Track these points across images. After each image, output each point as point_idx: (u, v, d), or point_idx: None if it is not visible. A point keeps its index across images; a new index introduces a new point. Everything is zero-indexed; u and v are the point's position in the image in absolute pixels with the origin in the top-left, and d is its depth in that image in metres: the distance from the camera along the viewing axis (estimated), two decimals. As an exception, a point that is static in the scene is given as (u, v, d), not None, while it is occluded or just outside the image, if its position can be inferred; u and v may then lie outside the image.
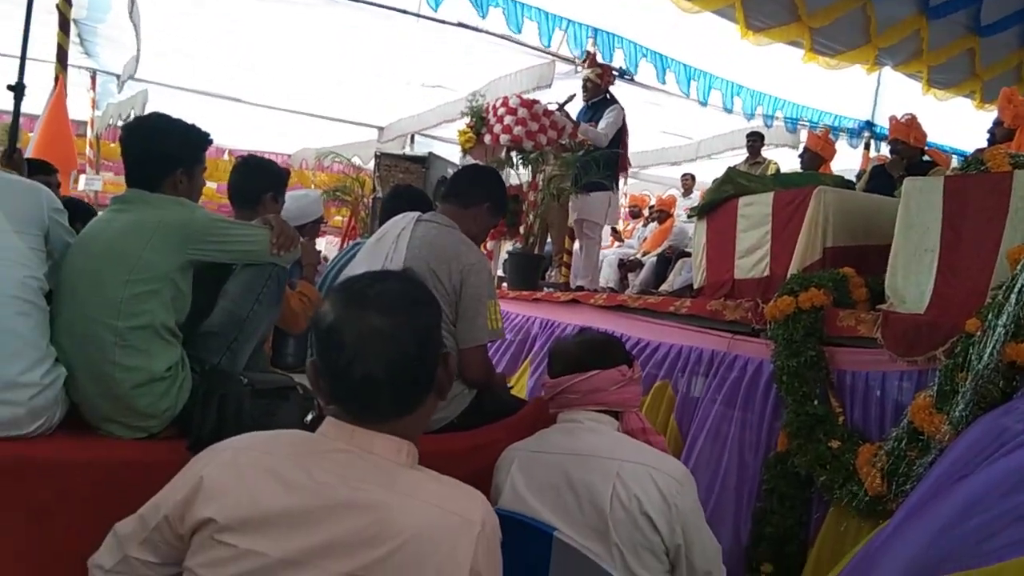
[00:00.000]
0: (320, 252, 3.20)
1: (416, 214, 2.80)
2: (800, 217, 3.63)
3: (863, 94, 9.11)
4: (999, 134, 4.58)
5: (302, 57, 7.89)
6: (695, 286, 4.39)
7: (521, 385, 4.69)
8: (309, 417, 2.24)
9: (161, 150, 2.20)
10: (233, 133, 11.73)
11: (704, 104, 8.21)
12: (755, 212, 3.94)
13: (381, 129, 10.59)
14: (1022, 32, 8.32)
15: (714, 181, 4.22)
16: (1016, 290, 2.33)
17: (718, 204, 4.16)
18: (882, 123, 9.08)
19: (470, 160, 7.18)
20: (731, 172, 4.21)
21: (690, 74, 7.95)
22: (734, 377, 3.45)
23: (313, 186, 14.00)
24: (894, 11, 7.55)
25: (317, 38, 7.35)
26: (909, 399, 2.66)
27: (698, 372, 3.66)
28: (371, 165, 8.89)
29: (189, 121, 2.29)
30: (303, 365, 3.04)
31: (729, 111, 8.40)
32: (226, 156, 14.14)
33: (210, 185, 13.88)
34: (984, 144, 4.86)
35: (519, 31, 6.87)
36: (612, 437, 2.00)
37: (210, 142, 2.40)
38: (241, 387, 2.15)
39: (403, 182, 8.20)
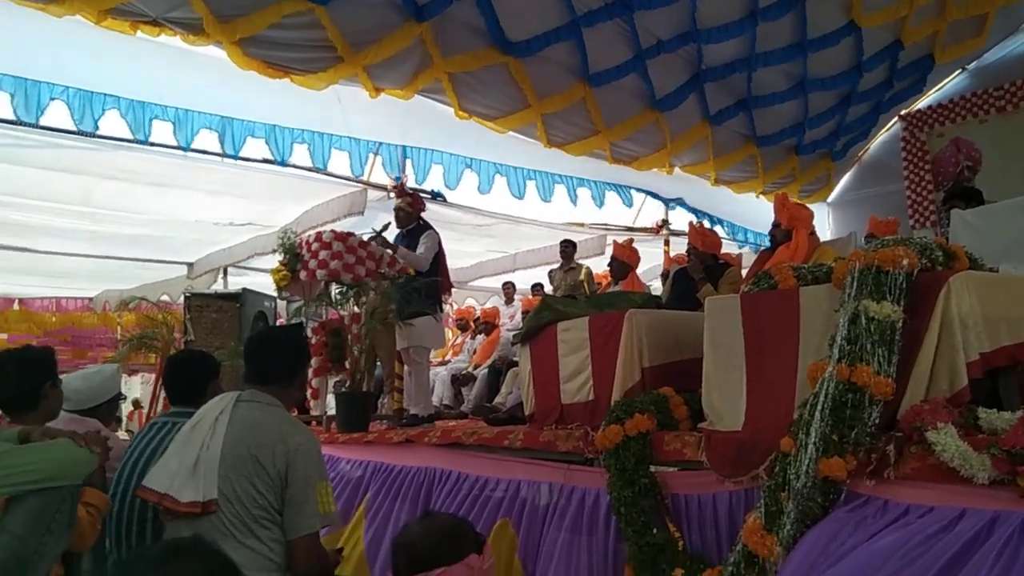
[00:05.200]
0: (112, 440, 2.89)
1: (235, 394, 2.62)
2: (615, 340, 3.73)
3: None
4: (779, 235, 4.98)
5: (99, 203, 7.39)
6: (526, 412, 4.37)
7: (356, 537, 4.40)
8: None
9: None
10: (23, 281, 10.73)
11: (547, 200, 8.58)
12: (573, 337, 4.02)
13: (190, 265, 10.06)
14: (797, 144, 9.46)
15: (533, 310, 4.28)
16: (819, 407, 2.47)
17: (538, 330, 4.21)
18: (674, 220, 9.93)
19: (287, 296, 6.95)
20: (548, 299, 4.30)
21: (524, 174, 8.28)
22: (574, 509, 3.41)
23: (119, 328, 12.99)
24: (683, 122, 8.30)
25: (114, 184, 6.95)
26: (741, 518, 2.72)
27: (538, 505, 3.59)
28: (181, 301, 8.38)
29: None
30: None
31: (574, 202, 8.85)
32: (16, 305, 12.92)
33: (1, 336, 12.58)
34: (767, 243, 5.32)
35: (325, 166, 6.86)
36: None
37: None
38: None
39: (216, 322, 7.81)
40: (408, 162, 7.46)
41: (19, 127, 5.54)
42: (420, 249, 5.95)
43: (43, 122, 5.47)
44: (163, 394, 7.33)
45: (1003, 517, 2.04)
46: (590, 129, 7.66)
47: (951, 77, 10.15)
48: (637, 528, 2.99)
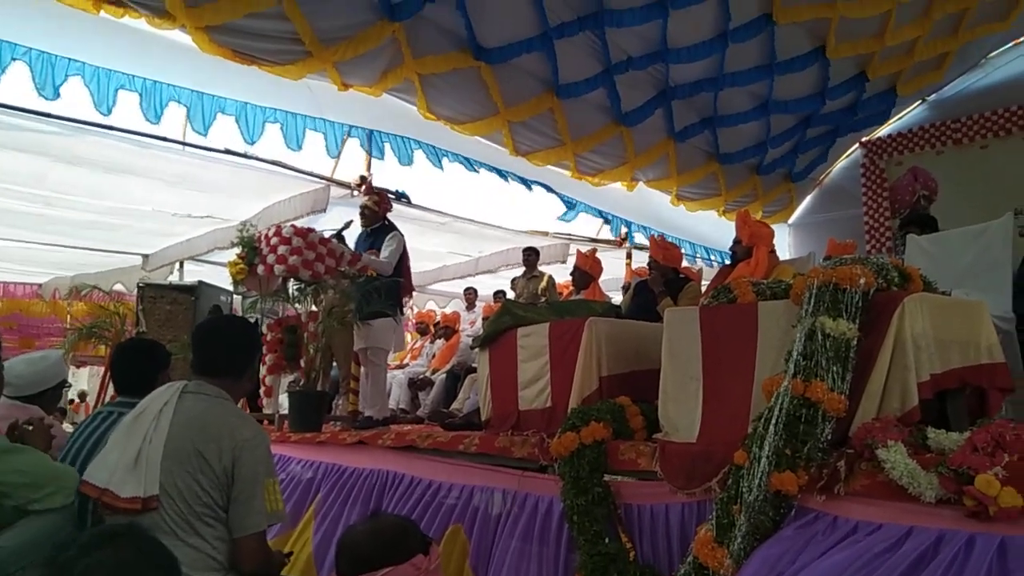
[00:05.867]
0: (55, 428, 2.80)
1: (180, 385, 2.52)
2: (575, 347, 3.73)
3: (624, 209, 9.90)
4: (739, 252, 5.04)
5: (53, 186, 7.14)
6: (483, 417, 4.33)
7: (305, 539, 4.32)
8: None
9: None
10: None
11: (529, 188, 8.56)
12: (533, 343, 4.00)
13: (146, 257, 9.79)
14: (758, 163, 9.59)
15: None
16: (774, 421, 2.48)
17: (498, 335, 4.19)
18: (638, 236, 9.98)
19: (243, 291, 6.81)
20: (508, 303, 4.28)
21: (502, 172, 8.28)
22: (527, 516, 3.39)
23: (69, 317, 12.57)
24: (647, 137, 8.37)
25: (69, 167, 6.73)
26: (693, 530, 2.73)
27: (490, 513, 3.56)
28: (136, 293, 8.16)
29: None
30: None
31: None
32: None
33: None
34: (728, 261, 5.37)
35: (299, 147, 6.74)
36: None
37: None
38: None
39: (170, 315, 7.63)
40: (387, 146, 7.37)
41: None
42: (384, 253, 5.86)
43: (2, 84, 5.25)
44: (112, 387, 7.18)
45: (948, 536, 2.06)
46: (556, 140, 7.69)
47: (911, 108, 10.40)
48: (589, 537, 2.98)
